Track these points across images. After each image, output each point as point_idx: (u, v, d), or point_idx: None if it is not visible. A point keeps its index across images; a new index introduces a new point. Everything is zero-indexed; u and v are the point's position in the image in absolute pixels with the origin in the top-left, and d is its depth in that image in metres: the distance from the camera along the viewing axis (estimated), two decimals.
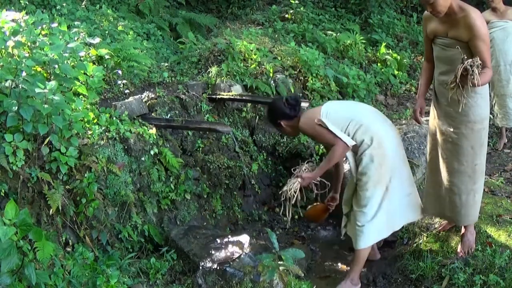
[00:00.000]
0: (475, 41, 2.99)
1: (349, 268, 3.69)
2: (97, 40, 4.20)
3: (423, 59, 7.84)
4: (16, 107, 2.88)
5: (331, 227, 4.53)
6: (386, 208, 3.40)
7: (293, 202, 3.47)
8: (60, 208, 3.02)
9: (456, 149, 3.26)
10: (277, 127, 3.73)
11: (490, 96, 5.70)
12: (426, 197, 3.62)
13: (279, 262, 3.03)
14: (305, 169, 3.54)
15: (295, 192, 3.44)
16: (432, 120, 3.43)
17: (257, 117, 5.06)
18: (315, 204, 4.19)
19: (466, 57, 2.89)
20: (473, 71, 2.84)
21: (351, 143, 3.36)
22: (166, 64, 5.37)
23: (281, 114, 3.63)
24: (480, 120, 3.19)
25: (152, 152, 3.87)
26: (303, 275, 3.23)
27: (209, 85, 4.83)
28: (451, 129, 3.24)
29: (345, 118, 3.43)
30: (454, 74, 2.93)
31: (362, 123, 3.39)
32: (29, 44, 3.36)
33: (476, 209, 3.39)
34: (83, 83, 3.50)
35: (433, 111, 3.41)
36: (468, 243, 3.46)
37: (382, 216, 3.41)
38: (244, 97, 4.80)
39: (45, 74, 3.30)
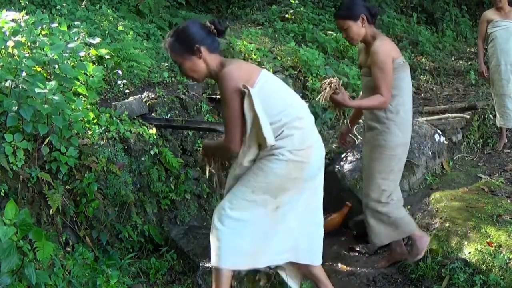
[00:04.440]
0: (372, 67, 3.12)
1: (348, 269, 3.71)
2: (97, 40, 4.20)
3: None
4: (16, 107, 2.89)
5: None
6: None
7: None
8: (60, 208, 3.02)
9: (367, 172, 3.37)
10: (186, 58, 2.58)
11: (491, 95, 5.72)
12: None
13: None
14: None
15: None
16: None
17: None
18: (329, 215, 4.22)
19: (330, 76, 3.05)
20: (324, 88, 2.93)
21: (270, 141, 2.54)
22: (166, 64, 5.36)
23: (205, 37, 2.57)
24: (391, 147, 3.25)
25: (152, 152, 3.87)
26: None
27: (209, 85, 4.83)
28: (366, 153, 3.38)
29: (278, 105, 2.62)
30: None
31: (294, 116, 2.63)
32: (29, 44, 3.36)
33: (385, 233, 3.40)
34: (83, 83, 3.51)
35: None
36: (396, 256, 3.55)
37: None
38: None
39: (45, 74, 3.31)
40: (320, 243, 2.89)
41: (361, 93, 3.47)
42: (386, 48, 3.13)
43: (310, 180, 2.72)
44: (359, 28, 3.13)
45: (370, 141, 3.32)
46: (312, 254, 2.87)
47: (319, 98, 2.96)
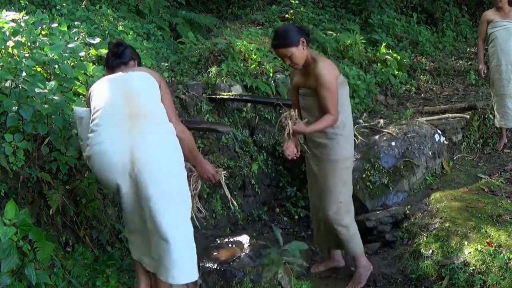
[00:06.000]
0: (319, 89, 3.18)
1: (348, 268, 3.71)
2: (97, 40, 4.20)
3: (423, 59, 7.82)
4: (16, 107, 2.89)
5: None
6: None
7: None
8: (60, 208, 3.01)
9: (322, 187, 3.41)
10: None
11: (491, 95, 5.72)
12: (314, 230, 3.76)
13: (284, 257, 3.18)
14: None
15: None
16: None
17: (257, 117, 5.06)
18: None
19: (285, 111, 3.18)
20: (287, 123, 3.09)
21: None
22: (166, 64, 5.36)
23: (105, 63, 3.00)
24: (342, 159, 3.34)
25: None
26: (307, 265, 3.47)
27: (209, 85, 4.83)
28: (316, 169, 3.40)
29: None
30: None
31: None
32: (29, 44, 3.36)
33: (356, 242, 3.49)
34: (83, 83, 3.51)
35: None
36: (358, 279, 3.53)
37: None
38: (244, 97, 4.80)
39: (45, 74, 3.31)
40: (173, 260, 2.54)
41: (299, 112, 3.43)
42: (330, 69, 3.21)
43: (120, 185, 2.54)
44: (301, 52, 3.18)
45: (319, 158, 3.35)
46: (166, 270, 2.57)
47: (286, 134, 3.12)
